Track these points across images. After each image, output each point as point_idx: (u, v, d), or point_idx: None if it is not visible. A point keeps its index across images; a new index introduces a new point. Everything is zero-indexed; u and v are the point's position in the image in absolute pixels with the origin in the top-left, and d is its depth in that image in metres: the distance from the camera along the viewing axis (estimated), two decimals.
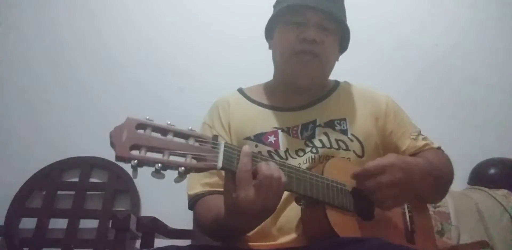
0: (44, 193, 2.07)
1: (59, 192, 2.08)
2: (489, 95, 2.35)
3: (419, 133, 1.12)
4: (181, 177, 0.68)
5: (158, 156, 0.67)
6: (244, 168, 0.74)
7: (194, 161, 0.70)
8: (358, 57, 2.26)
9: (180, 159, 0.69)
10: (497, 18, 2.50)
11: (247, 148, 0.77)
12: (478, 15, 2.50)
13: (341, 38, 1.12)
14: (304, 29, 1.04)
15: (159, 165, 0.66)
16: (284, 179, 0.76)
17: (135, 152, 0.66)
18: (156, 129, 0.69)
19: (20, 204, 2.01)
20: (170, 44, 2.37)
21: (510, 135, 2.23)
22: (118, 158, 0.65)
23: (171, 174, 0.69)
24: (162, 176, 0.67)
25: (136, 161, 0.65)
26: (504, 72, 2.40)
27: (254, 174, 0.76)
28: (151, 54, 2.35)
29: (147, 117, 0.70)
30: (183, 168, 0.67)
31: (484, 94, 2.35)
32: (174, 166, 0.67)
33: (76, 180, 2.10)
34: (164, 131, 0.70)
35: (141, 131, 0.68)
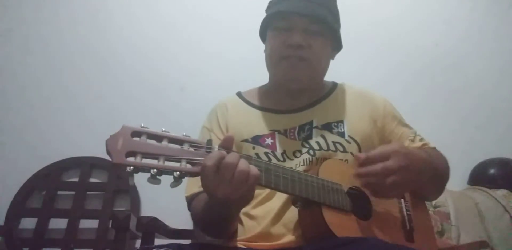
0: (44, 193, 2.07)
1: (59, 192, 2.08)
2: (489, 95, 2.35)
3: (416, 134, 1.14)
4: (177, 181, 0.69)
5: (154, 161, 0.68)
6: (207, 161, 0.72)
7: (189, 166, 0.71)
8: (359, 57, 2.27)
9: (175, 164, 0.70)
10: (498, 19, 2.50)
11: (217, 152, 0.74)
12: (479, 15, 2.50)
13: (332, 38, 1.12)
14: (290, 35, 1.05)
15: (154, 170, 0.67)
16: (242, 166, 0.73)
17: (130, 159, 0.67)
18: (151, 136, 0.70)
19: (20, 204, 2.01)
20: (171, 44, 2.37)
21: (510, 135, 2.23)
22: (115, 165, 0.66)
23: (169, 179, 0.69)
24: (158, 181, 0.68)
25: (132, 167, 0.66)
26: (504, 72, 2.40)
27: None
28: (152, 54, 2.35)
29: (142, 124, 0.71)
30: (178, 172, 0.69)
31: (484, 94, 2.35)
32: (169, 171, 0.69)
33: (76, 180, 2.10)
34: (159, 138, 0.71)
35: (136, 138, 0.69)
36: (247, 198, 0.79)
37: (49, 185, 2.07)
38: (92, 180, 2.11)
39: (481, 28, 2.47)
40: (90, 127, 2.15)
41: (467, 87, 2.35)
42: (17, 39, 2.38)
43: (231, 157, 0.73)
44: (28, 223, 1.99)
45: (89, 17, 2.42)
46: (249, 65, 2.14)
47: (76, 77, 2.31)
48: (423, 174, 0.91)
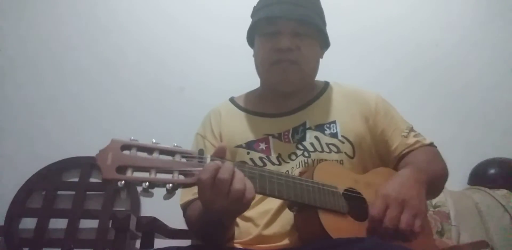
0: (44, 193, 2.07)
1: (59, 192, 2.08)
2: (489, 95, 2.35)
3: (411, 130, 1.12)
4: (170, 193, 0.69)
5: (145, 174, 0.67)
6: (202, 175, 0.72)
7: (181, 177, 0.70)
8: (359, 56, 2.27)
9: (167, 176, 0.69)
10: (499, 19, 2.50)
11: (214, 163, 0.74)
12: (480, 16, 2.50)
13: (320, 37, 1.13)
14: (278, 39, 1.06)
15: (146, 183, 0.66)
16: (237, 185, 0.72)
17: (121, 173, 0.66)
18: (141, 148, 0.70)
19: (20, 204, 2.01)
20: (171, 44, 2.37)
21: (510, 135, 2.23)
22: (105, 181, 0.65)
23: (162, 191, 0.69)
24: (151, 194, 0.67)
25: (123, 182, 0.65)
26: (504, 72, 2.40)
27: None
28: (152, 54, 2.35)
29: (132, 137, 0.70)
30: (170, 184, 0.68)
31: (484, 94, 2.35)
32: (161, 184, 0.68)
33: (76, 180, 2.10)
34: (149, 150, 0.70)
35: (126, 152, 0.68)
36: (243, 209, 0.78)
37: (49, 185, 2.07)
38: (92, 180, 2.11)
39: (481, 28, 2.47)
40: (90, 127, 2.15)
41: (467, 87, 2.35)
42: (16, 38, 2.37)
43: (224, 172, 0.71)
44: (28, 223, 1.99)
45: (90, 16, 2.41)
46: (250, 65, 2.15)
47: (76, 76, 2.31)
48: (422, 192, 0.89)
